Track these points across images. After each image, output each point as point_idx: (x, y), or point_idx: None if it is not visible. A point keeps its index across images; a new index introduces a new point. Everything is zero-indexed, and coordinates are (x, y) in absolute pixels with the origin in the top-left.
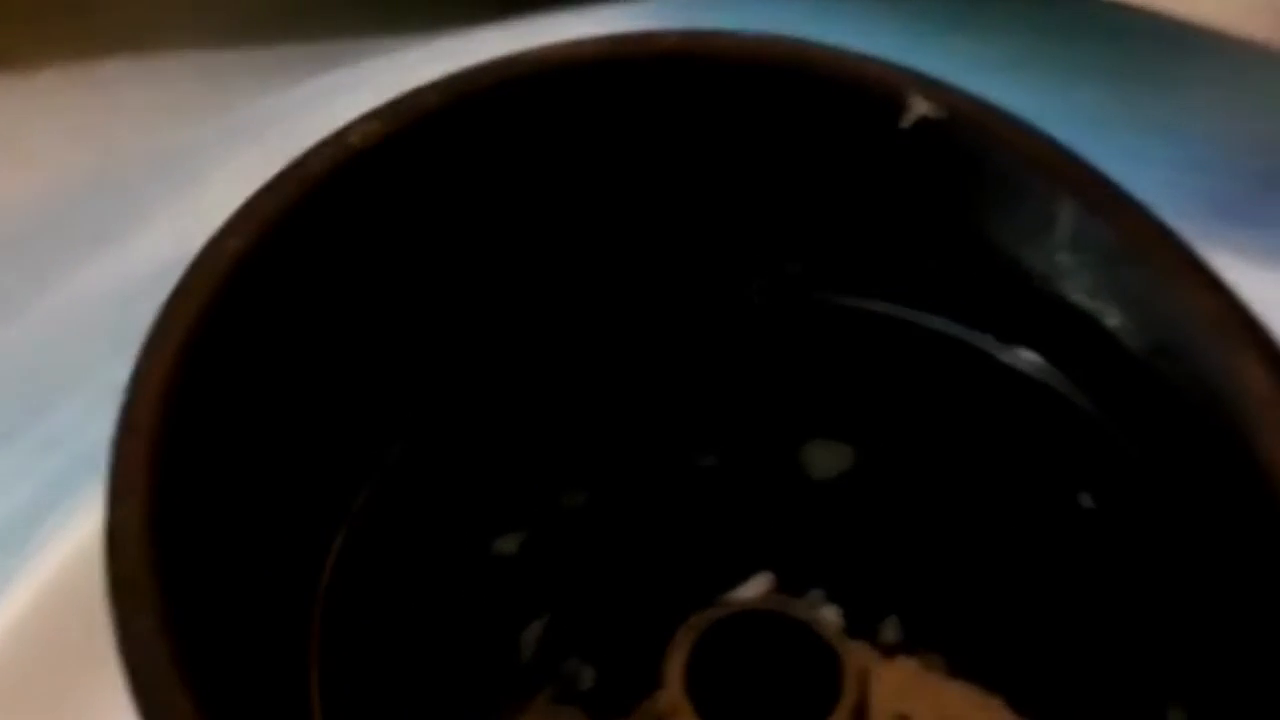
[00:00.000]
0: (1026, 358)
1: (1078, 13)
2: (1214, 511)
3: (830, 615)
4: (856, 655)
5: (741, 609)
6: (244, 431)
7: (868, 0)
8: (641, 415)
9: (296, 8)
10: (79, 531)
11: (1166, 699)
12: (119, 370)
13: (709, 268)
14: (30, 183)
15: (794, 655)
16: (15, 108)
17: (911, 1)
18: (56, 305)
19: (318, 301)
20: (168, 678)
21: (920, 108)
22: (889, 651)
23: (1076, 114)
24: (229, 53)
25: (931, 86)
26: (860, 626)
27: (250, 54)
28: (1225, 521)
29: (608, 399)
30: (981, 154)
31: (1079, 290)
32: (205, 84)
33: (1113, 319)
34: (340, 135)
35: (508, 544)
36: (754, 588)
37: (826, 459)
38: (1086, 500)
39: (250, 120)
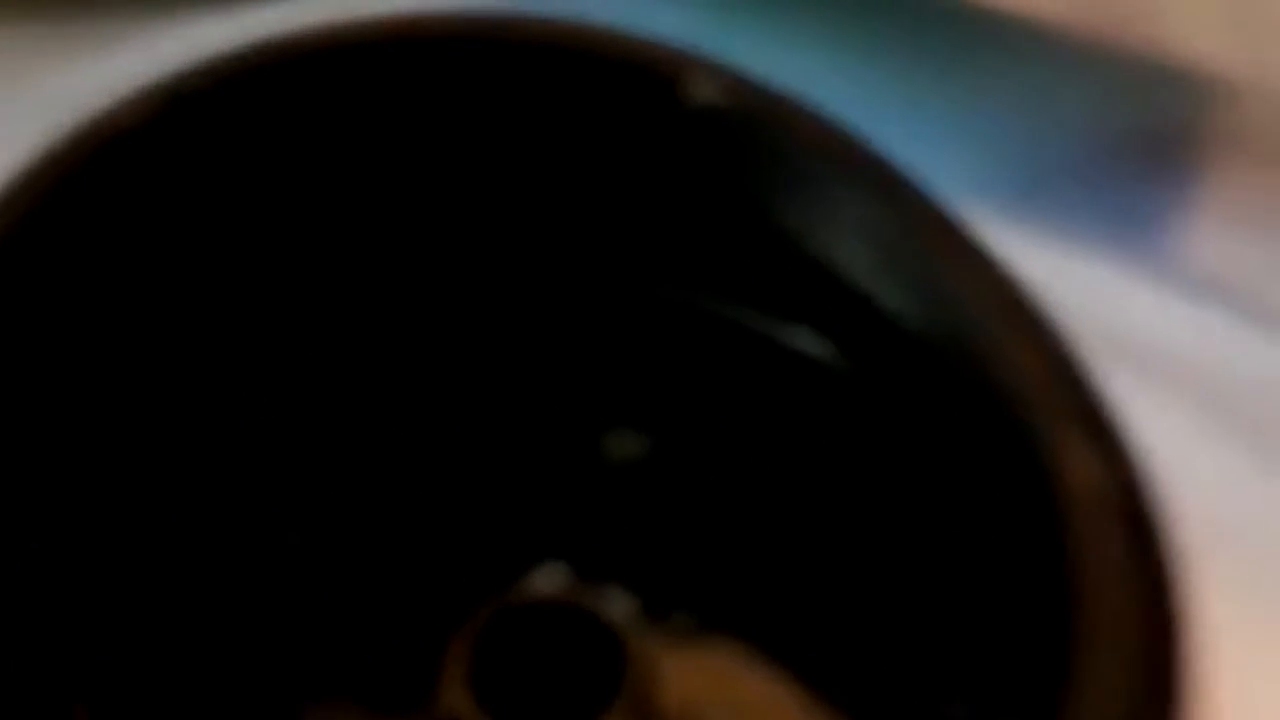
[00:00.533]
0: (812, 340)
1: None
2: (992, 492)
3: (625, 606)
4: (648, 645)
5: (529, 601)
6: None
7: None
8: (442, 405)
9: None
10: None
11: (951, 692)
12: None
13: (497, 256)
14: None
15: (581, 646)
16: None
17: None
18: None
19: (57, 299)
20: None
21: (702, 92)
22: (684, 640)
23: (882, 98)
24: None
25: (714, 71)
26: (657, 616)
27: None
28: (1002, 504)
29: (410, 387)
30: (765, 139)
31: (861, 272)
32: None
33: (893, 301)
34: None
35: (303, 535)
36: (550, 578)
37: (625, 448)
38: (878, 482)
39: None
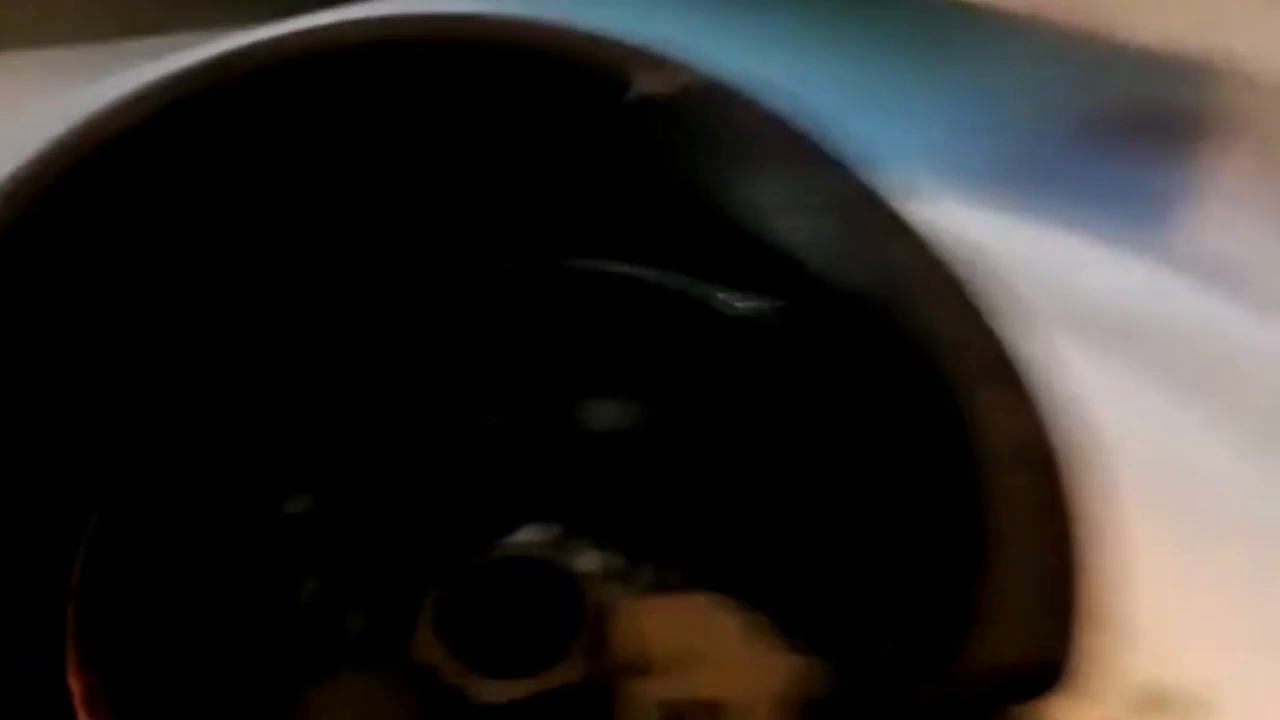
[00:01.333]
0: (756, 308)
1: None
2: (918, 444)
3: (592, 559)
4: (609, 596)
5: (496, 555)
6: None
7: None
8: (425, 380)
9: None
10: None
11: (880, 633)
12: None
13: (465, 239)
14: None
15: (544, 597)
16: None
17: None
18: None
19: (52, 294)
20: None
21: (646, 83)
22: (648, 591)
23: (854, 83)
24: (73, 49)
25: (657, 62)
26: (622, 569)
27: (90, 49)
28: (926, 456)
29: (390, 367)
30: (705, 121)
31: (798, 245)
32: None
33: (827, 267)
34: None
35: (298, 503)
36: (526, 537)
37: (599, 415)
38: (820, 441)
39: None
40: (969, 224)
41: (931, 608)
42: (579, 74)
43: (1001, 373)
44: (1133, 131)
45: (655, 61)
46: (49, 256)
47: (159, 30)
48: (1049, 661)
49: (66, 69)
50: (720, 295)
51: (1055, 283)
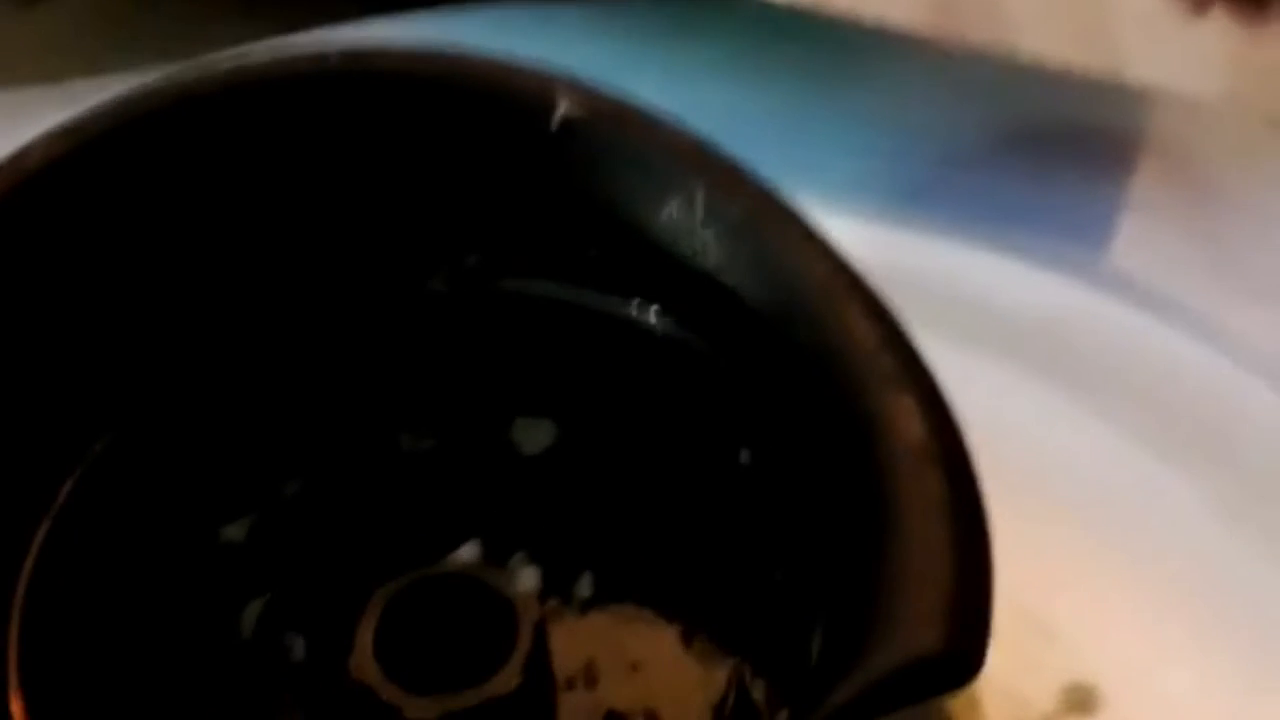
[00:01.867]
0: (678, 327)
1: (770, 20)
2: (828, 451)
3: (530, 576)
4: (543, 612)
5: (431, 574)
6: None
7: (587, 12)
8: (358, 404)
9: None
10: None
11: (812, 624)
12: None
13: (396, 264)
14: None
15: (479, 614)
16: None
17: (628, 13)
18: None
19: (8, 305)
20: None
21: (566, 109)
22: (584, 606)
23: (776, 112)
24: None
25: (576, 89)
26: (559, 584)
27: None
28: (836, 462)
29: (322, 391)
30: (623, 146)
31: (714, 263)
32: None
33: (739, 281)
34: (19, 157)
35: (235, 531)
36: (463, 556)
37: (532, 435)
38: (744, 455)
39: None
40: (879, 243)
41: (849, 609)
42: (507, 102)
43: (908, 378)
44: (1041, 149)
45: (576, 88)
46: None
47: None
48: (963, 652)
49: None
50: (638, 310)
51: (964, 299)
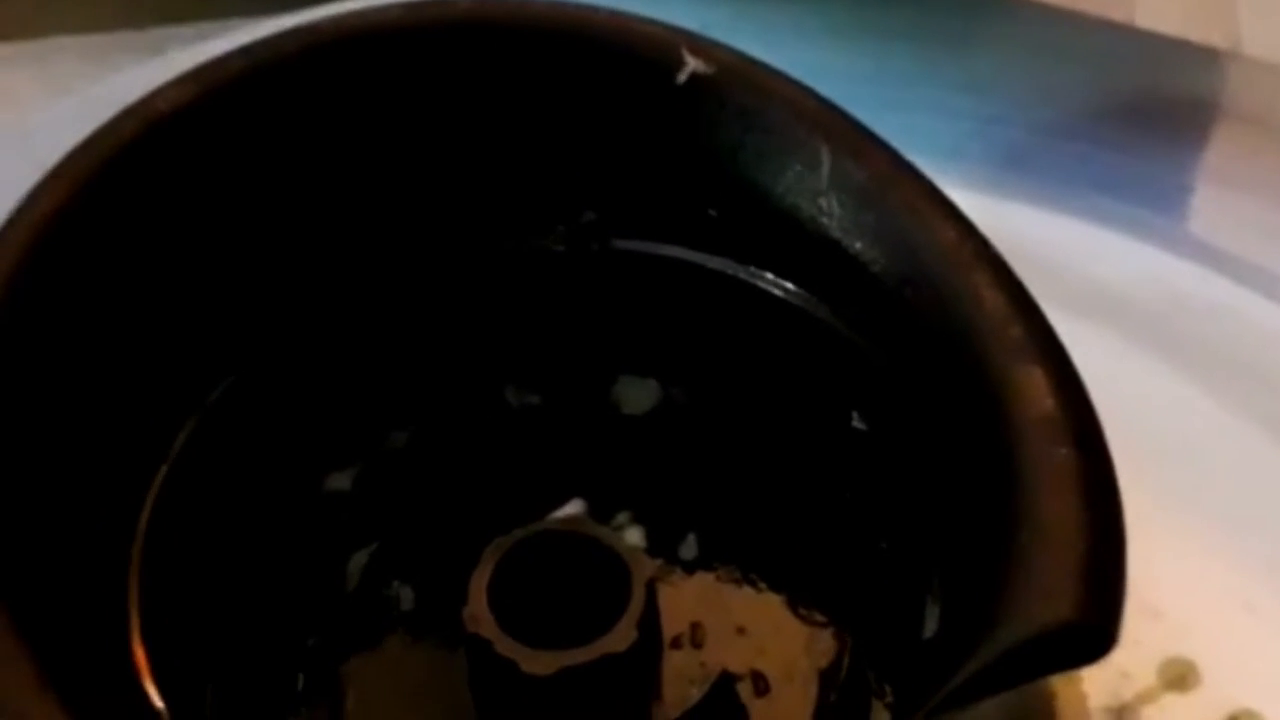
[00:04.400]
0: (796, 292)
1: None
2: (954, 423)
3: (634, 536)
4: (653, 570)
5: (544, 529)
6: (66, 375)
7: None
8: (466, 358)
9: None
10: None
11: (925, 594)
12: None
13: (513, 217)
14: None
15: (591, 570)
16: None
17: None
18: None
19: (136, 251)
20: None
21: (692, 65)
22: (689, 567)
23: (888, 74)
24: (108, 35)
25: (702, 45)
26: (663, 545)
27: (128, 36)
28: (962, 434)
29: (432, 344)
30: (749, 105)
31: (837, 227)
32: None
33: (866, 252)
34: (149, 100)
35: (340, 480)
36: (568, 512)
37: (636, 395)
38: (857, 420)
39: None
40: (975, 211)
41: (971, 580)
42: (633, 57)
43: (1038, 349)
44: (1140, 119)
45: (703, 44)
46: (80, 268)
47: (190, 18)
48: (1099, 623)
49: (103, 55)
50: (762, 278)
51: (1065, 268)
